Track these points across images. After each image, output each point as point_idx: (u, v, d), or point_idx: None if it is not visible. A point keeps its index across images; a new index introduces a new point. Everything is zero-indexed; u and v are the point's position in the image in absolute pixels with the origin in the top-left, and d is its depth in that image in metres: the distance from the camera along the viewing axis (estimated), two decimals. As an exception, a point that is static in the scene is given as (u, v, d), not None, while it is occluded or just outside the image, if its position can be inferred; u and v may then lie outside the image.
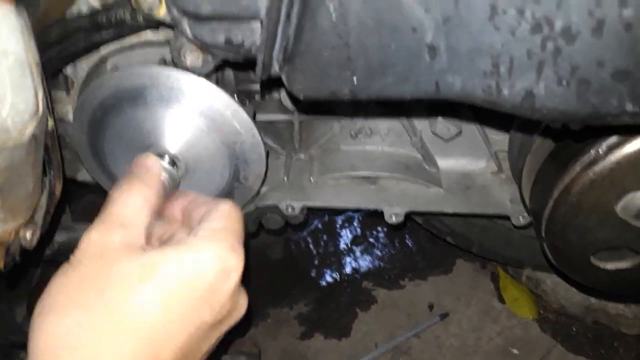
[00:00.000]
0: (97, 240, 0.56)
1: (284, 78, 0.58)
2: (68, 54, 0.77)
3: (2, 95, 0.42)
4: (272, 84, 0.61)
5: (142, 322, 0.51)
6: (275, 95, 1.12)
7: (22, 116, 0.45)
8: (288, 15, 0.53)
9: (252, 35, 0.59)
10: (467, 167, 1.16)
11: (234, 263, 0.58)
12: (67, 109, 0.97)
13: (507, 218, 1.11)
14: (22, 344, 1.25)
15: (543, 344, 1.62)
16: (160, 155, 0.85)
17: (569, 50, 0.47)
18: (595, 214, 0.75)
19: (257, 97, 1.13)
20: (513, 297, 1.71)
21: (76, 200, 1.20)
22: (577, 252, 0.80)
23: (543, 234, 0.81)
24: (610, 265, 0.84)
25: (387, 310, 1.75)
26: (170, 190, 0.84)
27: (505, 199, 1.11)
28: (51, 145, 0.56)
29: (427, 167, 1.15)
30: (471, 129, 1.10)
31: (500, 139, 1.13)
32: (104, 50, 0.87)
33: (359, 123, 1.14)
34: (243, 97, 1.12)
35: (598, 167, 0.72)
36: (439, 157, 1.16)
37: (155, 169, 0.70)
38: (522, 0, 0.46)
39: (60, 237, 1.16)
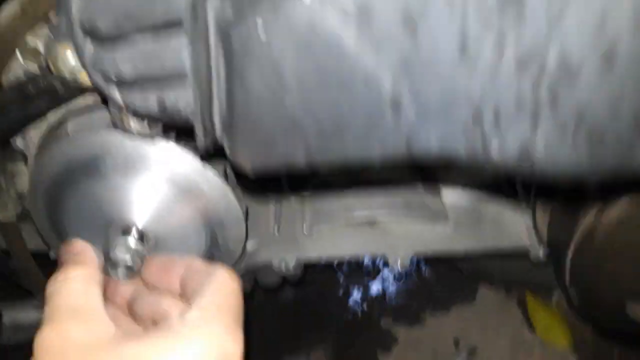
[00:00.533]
0: (53, 342, 0.47)
1: (227, 150, 0.48)
2: (3, 130, 0.68)
3: None
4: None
5: None
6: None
7: None
8: (218, 73, 0.43)
9: (187, 96, 0.49)
10: (475, 197, 1.05)
11: (232, 350, 0.49)
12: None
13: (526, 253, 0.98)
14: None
15: (584, 375, 1.47)
16: (126, 231, 0.76)
17: (570, 91, 0.36)
18: (628, 257, 0.63)
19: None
20: (545, 325, 1.57)
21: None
22: (610, 300, 0.68)
23: (567, 282, 0.69)
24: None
25: (410, 351, 1.63)
26: (138, 269, 0.75)
27: (521, 230, 0.99)
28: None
29: (430, 202, 1.04)
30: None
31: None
32: (51, 117, 0.78)
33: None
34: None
35: (625, 202, 0.60)
36: (444, 190, 1.04)
37: (84, 249, 0.64)
38: (500, 28, 0.35)
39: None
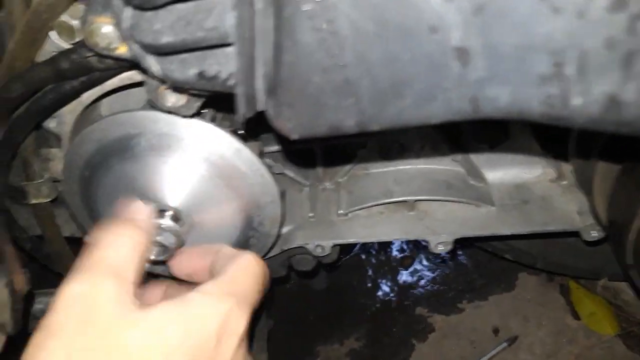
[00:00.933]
0: (82, 296, 0.46)
1: (269, 115, 0.45)
2: (37, 111, 0.67)
3: None
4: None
5: None
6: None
7: None
8: (264, 33, 0.39)
9: (228, 63, 0.46)
10: (521, 176, 1.00)
11: (234, 326, 0.50)
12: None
13: (576, 234, 0.93)
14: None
15: (632, 364, 1.41)
16: (161, 212, 0.74)
17: None
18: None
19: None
20: (589, 312, 1.50)
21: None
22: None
23: (629, 261, 0.64)
24: None
25: (447, 339, 1.58)
26: (176, 248, 0.73)
27: (571, 210, 0.94)
28: (-3, 234, 0.46)
29: (473, 182, 0.99)
30: (521, 131, 0.94)
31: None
32: (86, 97, 0.77)
33: (388, 140, 1.00)
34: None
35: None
36: (486, 169, 1.00)
37: (145, 211, 0.61)
38: None
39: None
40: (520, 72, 0.36)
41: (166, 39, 0.46)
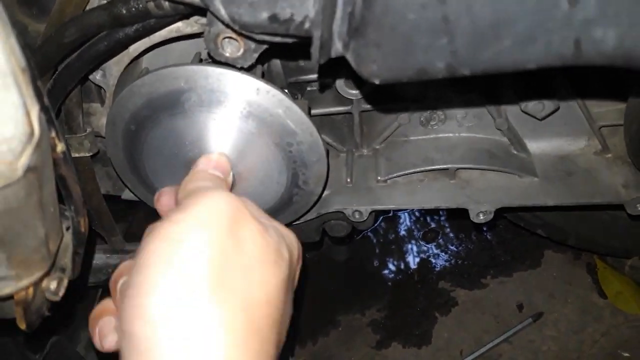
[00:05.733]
0: (232, 205, 0.47)
1: (351, 59, 0.44)
2: (89, 58, 0.65)
3: (-24, 119, 0.31)
4: (329, 71, 0.46)
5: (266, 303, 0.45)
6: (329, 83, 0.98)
7: (10, 144, 0.33)
8: (352, -29, 0.38)
9: (302, 6, 0.44)
10: (565, 148, 0.98)
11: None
12: (103, 122, 0.87)
13: (621, 207, 0.91)
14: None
15: (659, 343, 1.40)
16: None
17: None
18: None
19: (311, 88, 0.99)
20: (616, 291, 1.50)
21: (124, 220, 1.12)
22: None
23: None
24: None
25: (470, 314, 1.58)
26: None
27: (616, 183, 0.92)
28: (67, 174, 0.45)
29: (515, 152, 0.98)
30: (570, 100, 0.91)
31: (604, 111, 0.93)
32: (134, 48, 0.75)
33: (430, 106, 0.97)
34: (294, 90, 0.98)
35: None
36: (529, 140, 0.98)
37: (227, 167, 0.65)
38: None
39: (113, 260, 1.08)
40: (634, 13, 0.34)
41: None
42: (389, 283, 1.76)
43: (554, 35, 0.36)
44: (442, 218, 1.86)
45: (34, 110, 0.35)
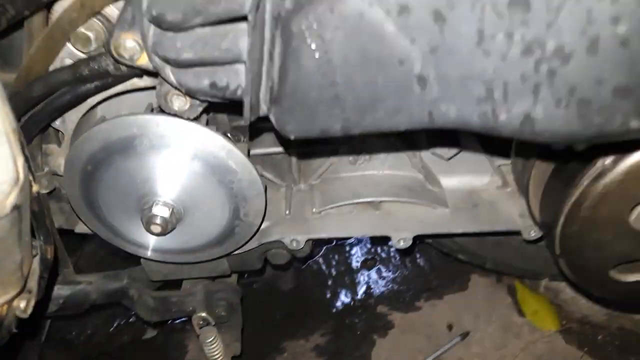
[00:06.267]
0: None
1: (272, 119, 0.56)
2: (53, 110, 0.75)
3: (-23, 169, 0.41)
4: (261, 120, 0.59)
5: None
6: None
7: (2, 187, 0.43)
8: (270, 56, 0.51)
9: (236, 77, 0.57)
10: (472, 183, 1.13)
11: None
12: (60, 162, 0.96)
13: (518, 233, 1.07)
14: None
15: (570, 356, 1.56)
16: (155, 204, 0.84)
17: (564, 70, 0.45)
18: (609, 228, 0.72)
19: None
20: (533, 310, 1.66)
21: (75, 253, 1.18)
22: (594, 267, 0.77)
23: (557, 251, 0.78)
24: (632, 277, 0.81)
25: (405, 335, 1.70)
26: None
27: (514, 213, 1.08)
28: (38, 210, 0.54)
29: (430, 187, 1.13)
30: (471, 144, 1.08)
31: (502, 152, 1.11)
32: (92, 99, 0.86)
33: (357, 149, 1.12)
34: (238, 132, 1.10)
35: (606, 179, 0.69)
36: (442, 176, 1.13)
37: None
38: (510, 23, 0.44)
39: (64, 292, 1.14)
40: (463, 94, 0.49)
41: (187, 55, 0.56)
42: (333, 309, 1.86)
43: (413, 109, 0.51)
44: (380, 249, 2.00)
45: (20, 161, 0.45)
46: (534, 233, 1.05)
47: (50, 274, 0.61)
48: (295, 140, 0.56)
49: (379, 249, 1.98)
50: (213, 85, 0.58)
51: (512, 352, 1.60)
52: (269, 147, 1.11)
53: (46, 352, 1.74)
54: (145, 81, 0.84)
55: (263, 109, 0.57)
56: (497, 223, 1.07)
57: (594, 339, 1.59)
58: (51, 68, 0.75)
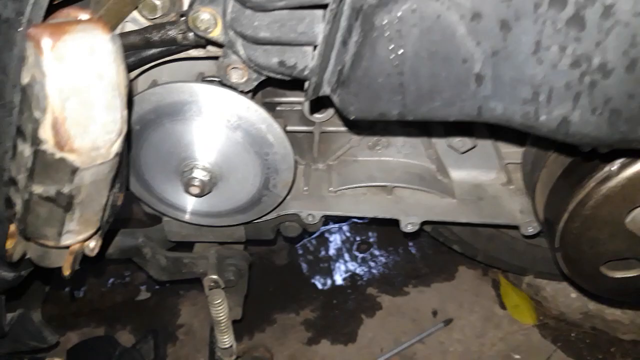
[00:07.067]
0: None
1: (336, 100, 0.63)
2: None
3: (95, 115, 0.47)
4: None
5: None
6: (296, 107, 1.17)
7: (111, 135, 0.49)
8: (344, 43, 0.58)
9: (304, 58, 0.63)
10: (479, 178, 1.22)
11: None
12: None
13: (517, 228, 1.17)
14: (40, 349, 1.27)
15: (543, 349, 1.67)
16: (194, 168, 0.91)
17: (604, 83, 0.53)
18: (606, 227, 0.81)
19: (279, 108, 1.18)
20: (514, 304, 1.77)
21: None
22: (588, 262, 0.86)
23: (557, 245, 0.87)
24: (619, 274, 0.91)
25: (391, 317, 1.80)
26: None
27: (515, 209, 1.17)
28: (120, 160, 0.60)
29: (440, 177, 1.21)
30: (483, 142, 1.16)
31: (510, 152, 1.19)
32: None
33: (377, 135, 1.19)
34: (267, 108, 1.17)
35: (611, 183, 0.78)
36: (452, 169, 1.21)
37: None
38: (565, 38, 0.52)
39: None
40: (512, 94, 0.57)
41: (263, 34, 0.63)
42: (324, 287, 1.94)
43: (466, 102, 0.58)
44: (375, 234, 2.08)
45: (125, 113, 0.51)
46: (531, 229, 1.14)
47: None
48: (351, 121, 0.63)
49: (374, 234, 2.06)
50: (282, 63, 0.65)
51: (490, 341, 1.71)
52: (294, 125, 1.17)
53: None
54: (199, 52, 0.90)
55: (325, 90, 0.64)
56: (499, 217, 1.16)
57: (568, 336, 1.71)
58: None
